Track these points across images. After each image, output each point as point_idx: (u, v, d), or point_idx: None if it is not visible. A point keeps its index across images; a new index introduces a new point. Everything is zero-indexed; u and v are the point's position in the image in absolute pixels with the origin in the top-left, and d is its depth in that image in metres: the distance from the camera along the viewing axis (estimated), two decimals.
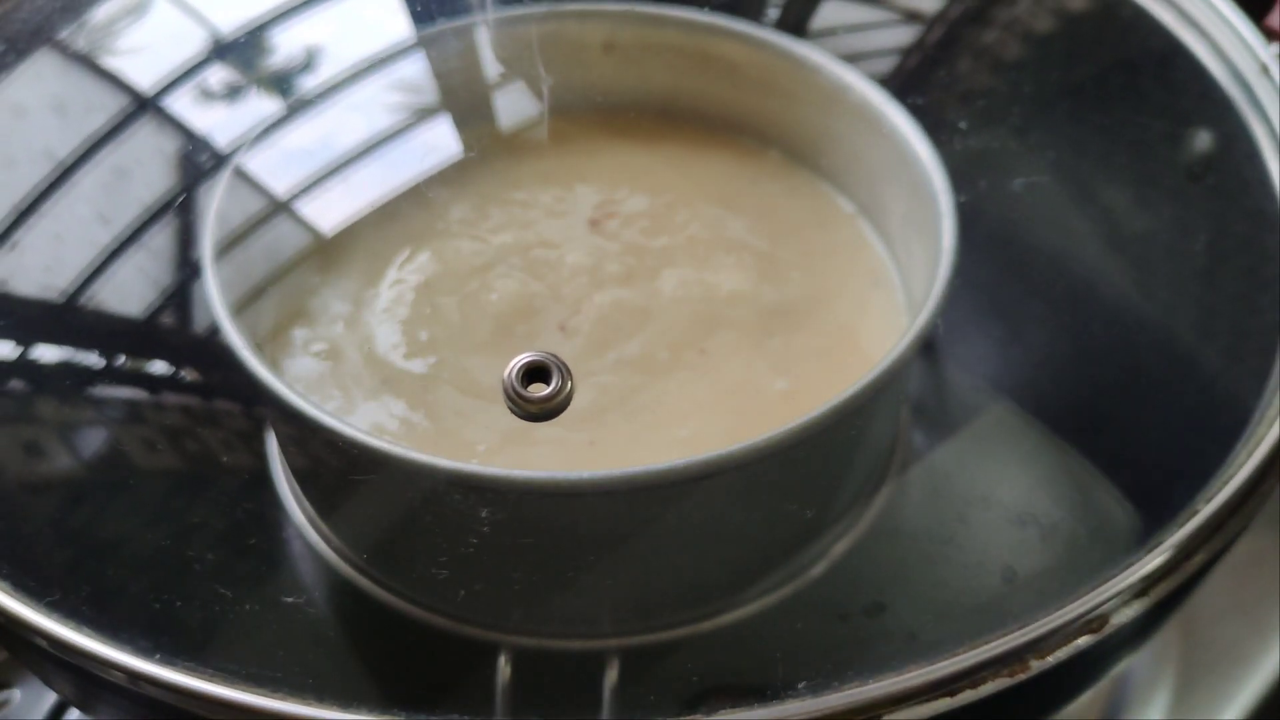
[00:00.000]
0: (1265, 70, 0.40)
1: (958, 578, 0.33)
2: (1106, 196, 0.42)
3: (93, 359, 0.39)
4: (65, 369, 0.38)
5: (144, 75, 0.43)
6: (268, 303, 0.39)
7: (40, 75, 0.43)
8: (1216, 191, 0.41)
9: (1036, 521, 0.34)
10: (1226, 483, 0.30)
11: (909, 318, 0.38)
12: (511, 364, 0.29)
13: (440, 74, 0.43)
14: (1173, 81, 0.43)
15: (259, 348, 0.35)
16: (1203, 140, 0.42)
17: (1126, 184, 0.43)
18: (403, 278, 0.40)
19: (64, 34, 0.44)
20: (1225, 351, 0.38)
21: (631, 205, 0.42)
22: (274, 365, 0.36)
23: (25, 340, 0.38)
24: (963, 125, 0.42)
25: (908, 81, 0.45)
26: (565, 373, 0.30)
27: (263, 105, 0.43)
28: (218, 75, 0.43)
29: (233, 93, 0.43)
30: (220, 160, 0.39)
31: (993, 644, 0.27)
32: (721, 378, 0.37)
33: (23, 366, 0.38)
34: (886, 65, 0.46)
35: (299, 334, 0.38)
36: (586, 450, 0.35)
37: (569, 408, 0.35)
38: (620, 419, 0.35)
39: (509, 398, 0.24)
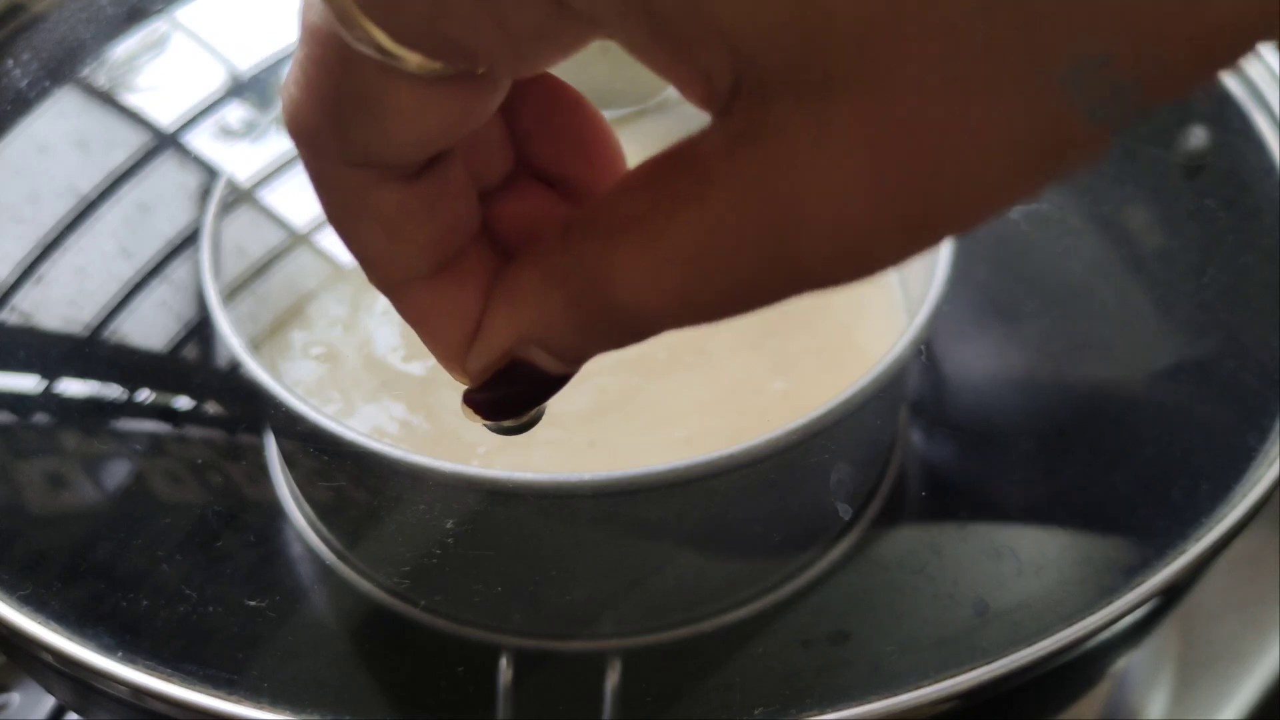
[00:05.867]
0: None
1: (927, 608, 0.33)
2: (1109, 198, 0.43)
3: (91, 366, 0.39)
4: (63, 376, 0.38)
5: (164, 111, 0.44)
6: (266, 306, 0.39)
7: (63, 112, 0.44)
8: (1224, 200, 0.41)
9: (1014, 554, 0.34)
10: (1219, 520, 0.30)
11: (907, 318, 0.38)
12: None
13: None
14: None
15: (257, 351, 0.35)
16: (1198, 136, 0.42)
17: (1128, 184, 0.43)
18: None
19: (85, 71, 0.45)
20: (1231, 370, 0.38)
21: None
22: (273, 369, 0.36)
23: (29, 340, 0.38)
24: None
25: None
26: None
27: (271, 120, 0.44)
28: (235, 110, 0.44)
29: (249, 124, 0.43)
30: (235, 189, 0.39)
31: (957, 678, 0.27)
32: (720, 378, 0.37)
33: (24, 370, 0.38)
34: None
35: (297, 337, 0.38)
36: (587, 451, 0.35)
37: (570, 411, 0.35)
38: (620, 420, 0.35)
39: None
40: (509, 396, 0.20)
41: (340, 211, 0.18)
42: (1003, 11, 0.14)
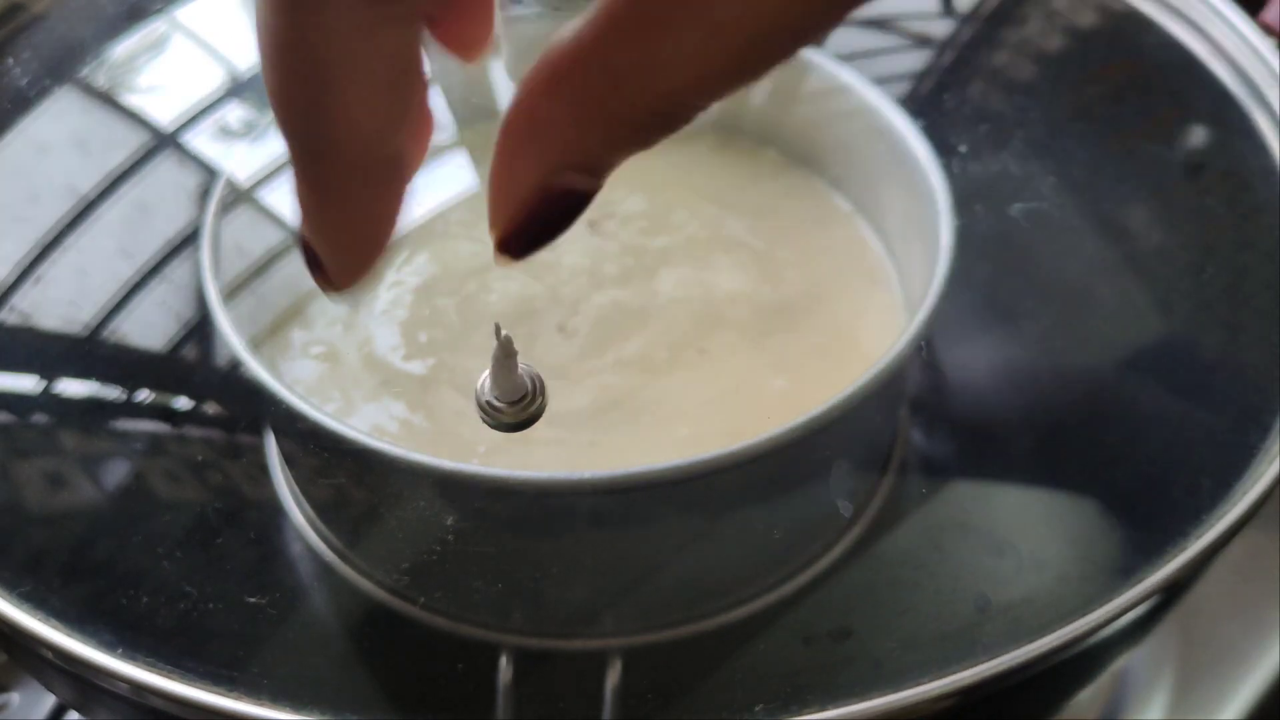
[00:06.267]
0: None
1: (928, 605, 0.33)
2: (1109, 198, 0.43)
3: (91, 366, 0.39)
4: (63, 376, 0.38)
5: (164, 111, 0.44)
6: (265, 306, 0.39)
7: (62, 112, 0.44)
8: (1225, 199, 0.41)
9: (1015, 551, 0.34)
10: (1223, 515, 0.30)
11: (907, 316, 0.38)
12: (483, 376, 0.30)
13: (436, 75, 0.43)
14: (1171, 78, 0.43)
15: (257, 350, 0.35)
16: (1198, 136, 0.42)
17: (1128, 183, 0.43)
18: (401, 279, 0.40)
19: (85, 71, 0.45)
20: (1231, 368, 0.38)
21: (629, 205, 0.42)
22: (272, 367, 0.36)
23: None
24: (963, 150, 0.42)
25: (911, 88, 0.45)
26: (538, 383, 0.30)
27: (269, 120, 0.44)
28: (235, 110, 0.44)
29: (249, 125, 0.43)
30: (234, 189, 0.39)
31: (959, 675, 0.27)
32: (721, 377, 0.37)
33: (24, 367, 0.38)
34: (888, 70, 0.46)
35: (297, 336, 0.38)
36: (587, 450, 0.35)
37: (570, 410, 0.35)
38: (620, 419, 0.35)
39: (481, 409, 0.24)
40: (544, 229, 0.20)
41: (337, 69, 0.18)
42: None
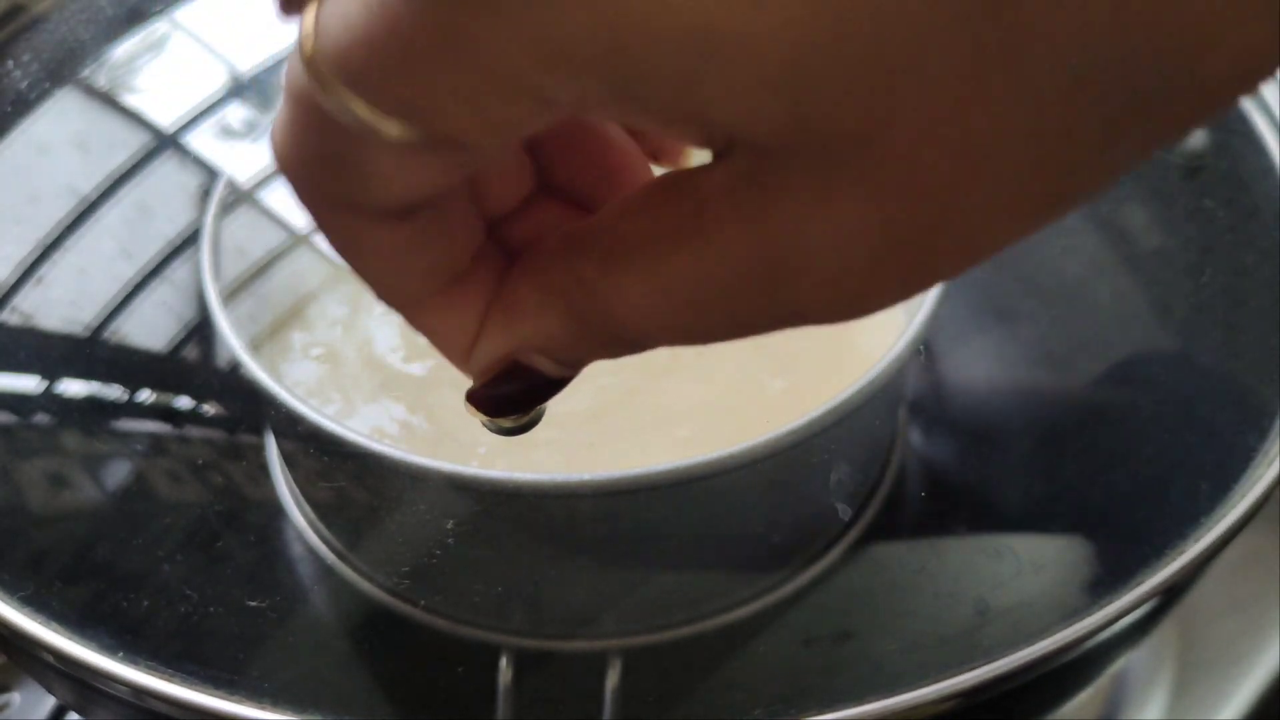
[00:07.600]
0: None
1: (928, 607, 0.33)
2: (1108, 198, 0.43)
3: (92, 367, 0.39)
4: (64, 377, 0.38)
5: (164, 112, 0.44)
6: (266, 307, 0.39)
7: (63, 113, 0.44)
8: (1224, 200, 0.41)
9: (1014, 554, 0.34)
10: (1217, 523, 0.30)
11: (907, 317, 0.38)
12: None
13: None
14: None
15: (257, 352, 0.35)
16: (1197, 136, 0.42)
17: (1127, 184, 0.43)
18: None
19: (85, 72, 0.45)
20: (1230, 370, 0.38)
21: None
22: (273, 369, 0.36)
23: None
24: None
25: None
26: None
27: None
28: (236, 110, 0.44)
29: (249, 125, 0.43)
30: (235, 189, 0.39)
31: (959, 677, 0.27)
32: (720, 378, 0.37)
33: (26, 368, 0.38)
34: None
35: (298, 337, 0.38)
36: (587, 451, 0.35)
37: (570, 411, 0.35)
38: (620, 420, 0.35)
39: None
40: (510, 395, 0.20)
41: (339, 245, 0.19)
42: (989, 51, 0.14)
